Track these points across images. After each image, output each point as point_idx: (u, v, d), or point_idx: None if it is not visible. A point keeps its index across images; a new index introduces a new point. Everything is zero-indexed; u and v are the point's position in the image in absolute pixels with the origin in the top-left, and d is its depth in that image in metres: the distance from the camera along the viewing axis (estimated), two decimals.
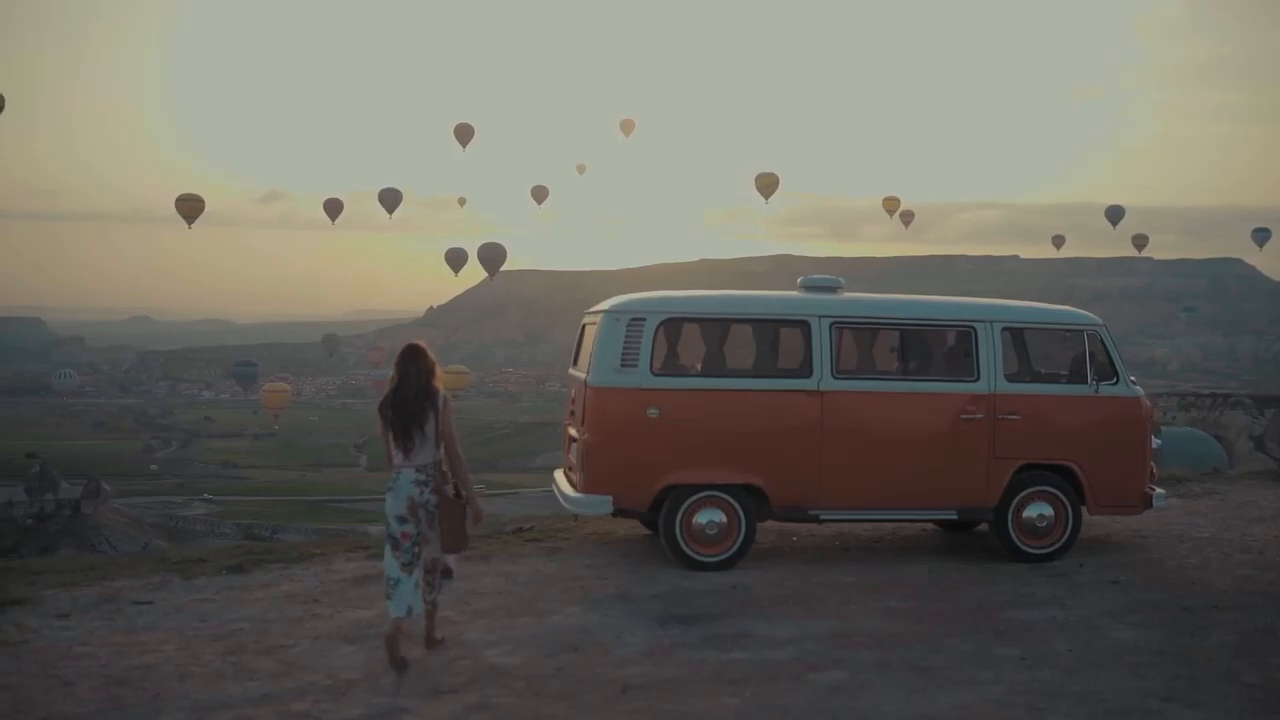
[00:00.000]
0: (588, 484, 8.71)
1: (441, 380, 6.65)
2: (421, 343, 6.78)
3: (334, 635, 6.89)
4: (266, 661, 6.37)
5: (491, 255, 75.37)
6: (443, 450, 6.54)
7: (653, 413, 8.56)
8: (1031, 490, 9.06)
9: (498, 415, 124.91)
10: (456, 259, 77.38)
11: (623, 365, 8.63)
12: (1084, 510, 9.18)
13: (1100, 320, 9.41)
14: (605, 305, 9.08)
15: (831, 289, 9.33)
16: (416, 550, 6.44)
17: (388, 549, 6.47)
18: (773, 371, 9.03)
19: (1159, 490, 9.48)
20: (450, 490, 6.54)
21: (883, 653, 6.70)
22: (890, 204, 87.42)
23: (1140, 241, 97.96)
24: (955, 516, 9.16)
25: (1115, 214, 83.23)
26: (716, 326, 9.09)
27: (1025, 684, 6.18)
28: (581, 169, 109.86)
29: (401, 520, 6.42)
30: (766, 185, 70.88)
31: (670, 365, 8.92)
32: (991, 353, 9.01)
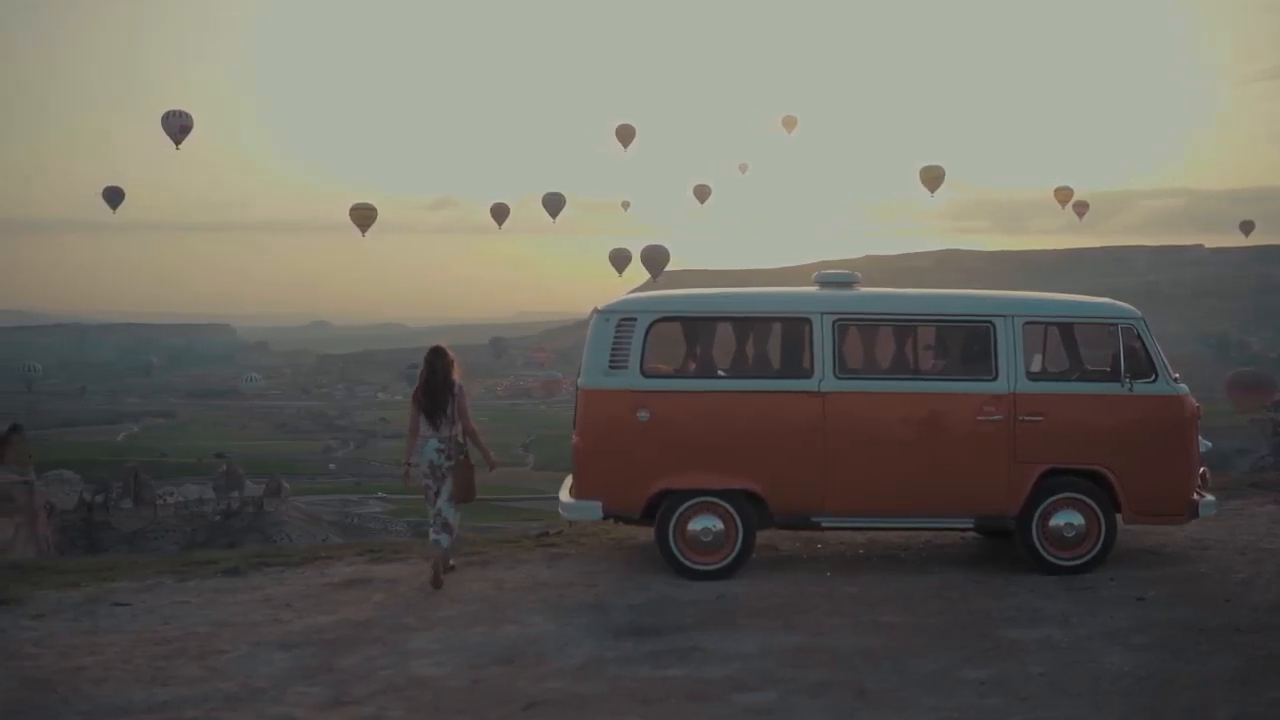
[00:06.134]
0: (578, 488, 8.48)
1: (459, 372, 8.41)
2: (443, 344, 8.52)
3: (275, 641, 6.84)
4: (192, 667, 6.37)
5: (654, 257, 75.59)
6: (459, 425, 8.28)
7: (642, 416, 8.28)
8: (1059, 497, 8.40)
9: None
10: (620, 259, 77.89)
11: (611, 366, 8.37)
12: (1119, 519, 8.47)
13: (1137, 313, 8.66)
14: (600, 306, 8.84)
15: (846, 284, 8.87)
16: (434, 500, 8.24)
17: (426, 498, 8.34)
18: (771, 372, 8.60)
19: (1208, 497, 8.64)
20: (462, 456, 8.30)
21: (833, 672, 6.27)
22: (1062, 195, 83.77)
23: None
24: (972, 525, 8.60)
25: None
26: (712, 326, 8.72)
27: (965, 712, 5.67)
28: (744, 168, 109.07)
29: (424, 476, 8.21)
30: (931, 178, 69.03)
31: (663, 366, 8.60)
32: (1011, 350, 8.39)
